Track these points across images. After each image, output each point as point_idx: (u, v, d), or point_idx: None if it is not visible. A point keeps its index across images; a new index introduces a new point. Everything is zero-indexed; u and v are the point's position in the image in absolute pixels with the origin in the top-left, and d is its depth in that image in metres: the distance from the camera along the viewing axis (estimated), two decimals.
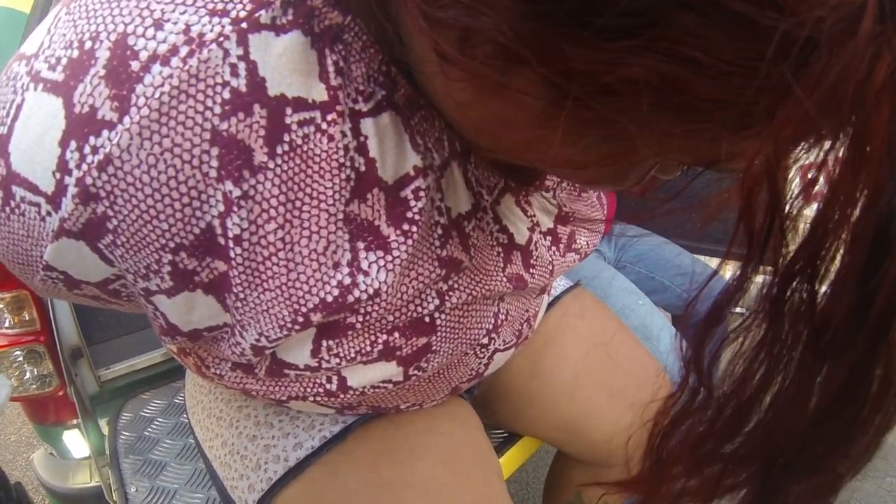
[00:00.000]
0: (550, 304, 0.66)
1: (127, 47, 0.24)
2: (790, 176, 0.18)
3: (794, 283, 0.19)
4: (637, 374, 0.64)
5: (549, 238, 0.44)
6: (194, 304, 0.30)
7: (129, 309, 0.35)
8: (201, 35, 0.24)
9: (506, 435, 0.72)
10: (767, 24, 0.15)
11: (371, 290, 0.30)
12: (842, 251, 0.18)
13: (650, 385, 0.62)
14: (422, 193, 0.30)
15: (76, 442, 0.98)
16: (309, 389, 0.39)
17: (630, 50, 0.16)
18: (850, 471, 0.22)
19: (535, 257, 0.42)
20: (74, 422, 0.94)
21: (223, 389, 0.54)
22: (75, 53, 0.24)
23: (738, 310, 0.22)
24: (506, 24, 0.18)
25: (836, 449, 0.21)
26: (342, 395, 0.38)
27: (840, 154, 0.17)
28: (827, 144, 0.17)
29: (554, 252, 0.45)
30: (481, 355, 0.45)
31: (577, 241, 0.49)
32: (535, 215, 0.42)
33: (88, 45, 0.24)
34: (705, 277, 0.24)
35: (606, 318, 0.69)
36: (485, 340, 0.43)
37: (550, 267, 0.45)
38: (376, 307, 0.31)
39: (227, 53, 0.24)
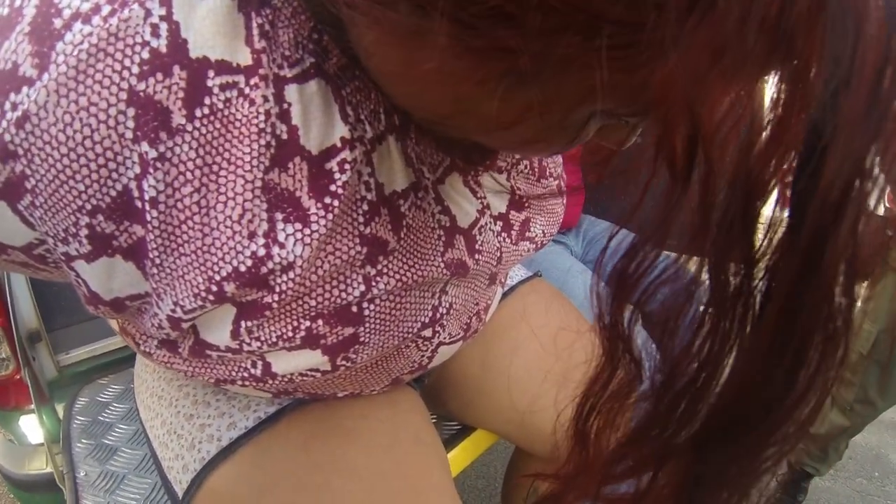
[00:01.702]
0: (506, 294, 0.66)
1: (52, 5, 0.24)
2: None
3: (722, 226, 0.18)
4: None
5: (499, 223, 0.43)
6: (114, 271, 0.29)
7: (58, 277, 0.34)
8: None
9: (459, 427, 0.72)
10: None
11: (285, 263, 0.30)
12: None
13: None
14: (347, 166, 0.29)
15: (33, 427, 0.96)
16: (235, 373, 0.38)
17: None
18: (781, 446, 0.20)
19: (479, 242, 0.41)
20: (32, 407, 0.93)
21: (166, 369, 0.53)
22: (6, 10, 0.24)
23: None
24: None
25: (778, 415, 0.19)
26: (270, 381, 0.38)
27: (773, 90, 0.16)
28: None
29: (504, 238, 0.44)
30: (424, 348, 0.44)
31: (532, 229, 0.47)
32: (485, 197, 0.41)
33: (18, 2, 0.24)
34: (607, 236, 0.22)
35: (565, 310, 0.68)
36: (427, 333, 0.41)
37: (498, 254, 0.44)
38: (290, 283, 0.31)
39: (148, 13, 0.24)
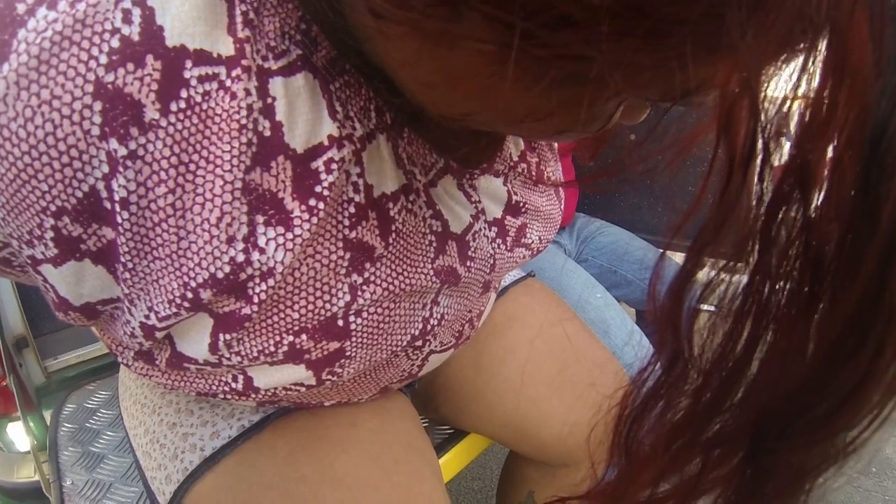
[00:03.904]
0: (499, 295, 0.64)
1: None
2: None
3: (782, 212, 0.17)
4: (591, 370, 0.61)
5: (494, 229, 0.41)
6: (83, 276, 0.28)
7: (26, 280, 0.33)
8: None
9: (451, 431, 0.70)
10: None
11: (265, 269, 0.28)
12: (828, 172, 0.16)
13: (606, 382, 0.60)
14: (334, 166, 0.28)
15: (22, 435, 0.95)
16: (215, 386, 0.36)
17: None
18: (861, 432, 0.18)
19: (472, 248, 0.39)
20: (19, 414, 0.91)
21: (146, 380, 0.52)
22: None
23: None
24: None
25: (845, 405, 0.18)
26: (252, 395, 0.36)
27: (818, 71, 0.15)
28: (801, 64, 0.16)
29: (498, 245, 0.42)
30: (414, 357, 0.42)
31: (528, 236, 0.45)
32: (480, 201, 0.39)
33: None
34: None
35: (560, 310, 0.67)
36: (417, 343, 0.40)
37: (491, 261, 0.42)
38: (270, 290, 0.29)
39: None
